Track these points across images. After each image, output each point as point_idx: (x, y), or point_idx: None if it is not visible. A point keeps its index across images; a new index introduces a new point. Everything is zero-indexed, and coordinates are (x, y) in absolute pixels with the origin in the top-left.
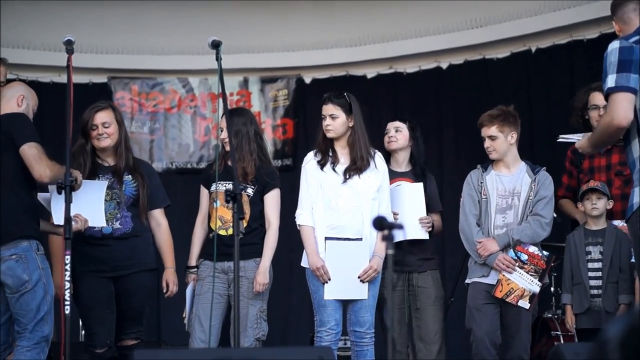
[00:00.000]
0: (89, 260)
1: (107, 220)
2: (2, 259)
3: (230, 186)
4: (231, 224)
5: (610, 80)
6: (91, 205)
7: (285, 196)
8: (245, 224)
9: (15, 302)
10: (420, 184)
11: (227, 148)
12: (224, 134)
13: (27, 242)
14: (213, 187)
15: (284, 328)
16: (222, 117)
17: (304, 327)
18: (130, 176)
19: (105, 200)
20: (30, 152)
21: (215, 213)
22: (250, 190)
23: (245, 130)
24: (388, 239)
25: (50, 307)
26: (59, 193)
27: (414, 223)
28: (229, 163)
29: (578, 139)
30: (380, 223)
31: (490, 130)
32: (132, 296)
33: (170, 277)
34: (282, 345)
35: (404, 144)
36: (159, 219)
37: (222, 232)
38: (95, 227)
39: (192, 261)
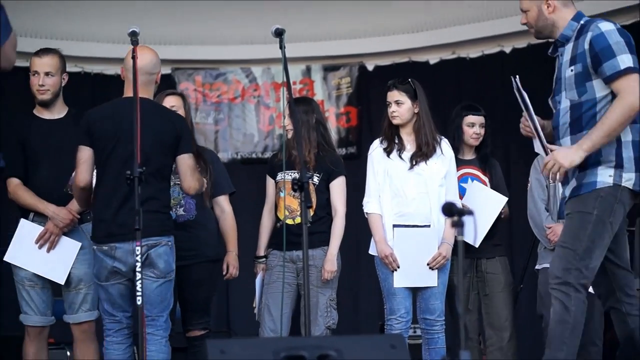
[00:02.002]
0: None
1: (171, 207)
2: (160, 244)
3: (296, 175)
4: (298, 213)
5: (628, 60)
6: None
7: (350, 184)
8: (312, 213)
9: (155, 288)
10: (504, 199)
11: (289, 136)
12: (286, 122)
13: (172, 236)
14: (279, 177)
15: (353, 317)
16: (285, 105)
17: (373, 316)
18: None
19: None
20: (190, 162)
21: (282, 202)
22: (315, 179)
23: (306, 119)
24: (458, 225)
25: None
26: (128, 184)
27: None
28: (293, 152)
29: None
30: (449, 209)
31: None
32: (196, 287)
33: (231, 261)
34: (351, 333)
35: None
36: (223, 205)
37: (290, 222)
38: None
39: (261, 251)
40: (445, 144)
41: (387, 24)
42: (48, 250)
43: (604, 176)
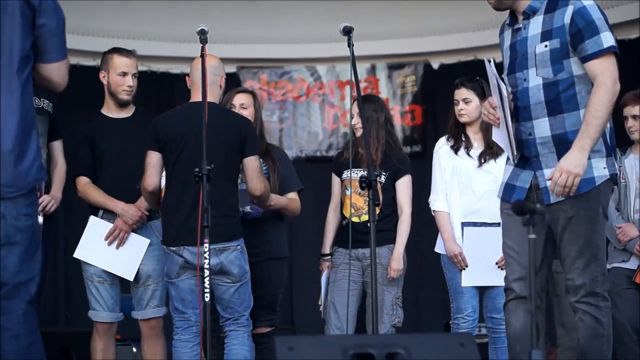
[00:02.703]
0: None
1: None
2: (230, 249)
3: (363, 173)
4: (364, 211)
5: (611, 38)
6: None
7: (415, 182)
8: (378, 211)
9: (233, 292)
10: None
11: (358, 134)
12: (355, 120)
13: (242, 237)
14: (345, 175)
15: (416, 315)
16: (353, 103)
17: (437, 314)
18: (261, 160)
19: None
20: (255, 164)
21: (348, 200)
22: (382, 177)
23: (375, 117)
24: (529, 223)
25: None
26: (196, 182)
27: None
28: (360, 150)
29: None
30: (521, 208)
31: (635, 109)
32: (263, 284)
33: None
34: (415, 332)
35: None
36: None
37: (355, 219)
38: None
39: (326, 249)
40: None
41: (453, 22)
42: (117, 247)
43: (599, 169)
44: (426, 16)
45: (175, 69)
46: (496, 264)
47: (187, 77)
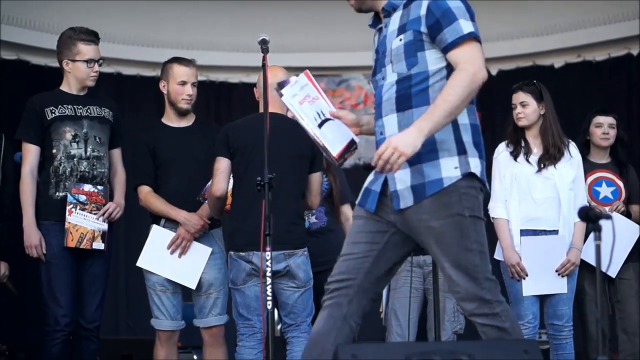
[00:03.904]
0: None
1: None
2: (297, 254)
3: None
4: None
5: (470, 25)
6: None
7: None
8: None
9: (297, 297)
10: (637, 227)
11: None
12: None
13: (306, 246)
14: None
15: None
16: None
17: None
18: (323, 173)
19: None
20: (320, 180)
21: None
22: None
23: None
24: (596, 229)
25: None
26: (258, 191)
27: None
28: None
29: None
30: (586, 214)
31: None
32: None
33: None
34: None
35: (614, 140)
36: (347, 213)
37: None
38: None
39: None
40: (573, 147)
41: (511, 27)
42: (180, 256)
43: (449, 169)
44: (483, 22)
45: (234, 78)
46: (556, 271)
47: (254, 88)
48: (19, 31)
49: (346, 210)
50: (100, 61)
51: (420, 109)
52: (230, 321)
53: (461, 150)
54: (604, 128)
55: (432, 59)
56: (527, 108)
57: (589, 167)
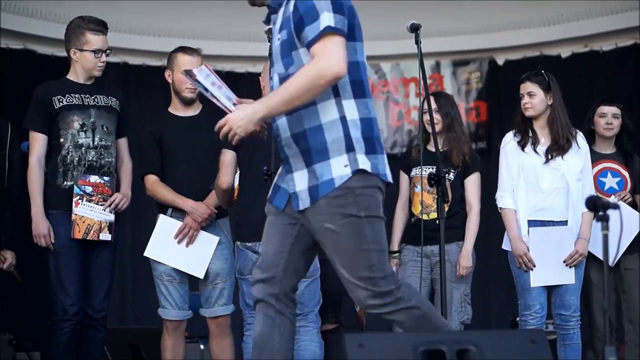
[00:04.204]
0: None
1: None
2: None
3: (432, 170)
4: (432, 209)
5: (329, 19)
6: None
7: (481, 178)
8: (446, 208)
9: (304, 288)
10: (637, 214)
11: (430, 130)
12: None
13: None
14: (413, 172)
15: (483, 312)
16: (423, 99)
17: (503, 311)
18: None
19: None
20: None
21: (416, 198)
22: (451, 174)
23: (453, 113)
24: (603, 219)
25: None
26: (265, 180)
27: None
28: (428, 147)
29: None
30: (594, 203)
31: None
32: (329, 281)
33: None
34: (482, 329)
35: (618, 130)
36: None
37: (424, 217)
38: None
39: (395, 246)
40: (580, 137)
41: (518, 17)
42: (187, 245)
43: (339, 168)
44: (491, 12)
45: (240, 68)
46: (564, 262)
47: (260, 77)
48: (25, 20)
49: None
50: (108, 51)
51: (308, 111)
52: (237, 311)
53: (349, 147)
54: (607, 118)
55: (306, 58)
56: (534, 98)
57: (594, 158)
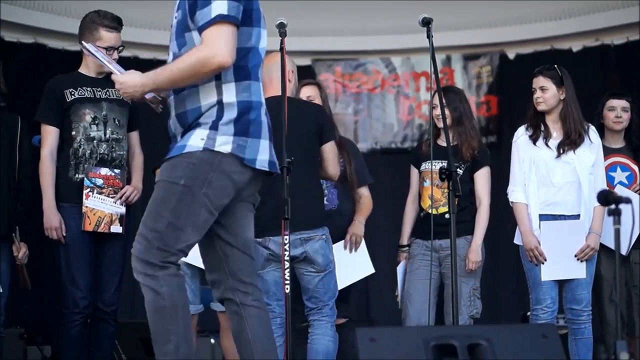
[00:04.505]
0: None
1: None
2: (315, 238)
3: (443, 164)
4: (442, 203)
5: (222, 6)
6: None
7: (492, 173)
8: (456, 202)
9: (318, 281)
10: None
11: (440, 125)
12: (438, 111)
13: (326, 226)
14: (423, 167)
15: (493, 306)
16: (434, 94)
17: (513, 305)
18: None
19: None
20: (334, 150)
21: (426, 192)
22: (461, 168)
23: (462, 108)
24: (615, 213)
25: None
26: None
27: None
28: (438, 142)
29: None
30: (606, 197)
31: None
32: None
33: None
34: (492, 323)
35: (627, 124)
36: (363, 193)
37: (433, 211)
38: None
39: (404, 240)
40: (592, 131)
41: (529, 11)
42: None
43: (196, 139)
44: (502, 6)
45: None
46: (575, 256)
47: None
48: (36, 14)
49: (362, 191)
50: (121, 48)
51: (191, 92)
52: None
53: (214, 126)
54: (616, 111)
55: (198, 40)
56: (546, 93)
57: (603, 152)
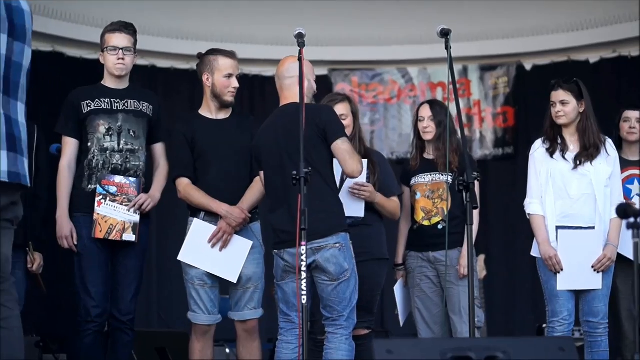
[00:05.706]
0: None
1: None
2: (327, 247)
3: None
4: (433, 214)
5: None
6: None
7: (506, 184)
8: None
9: (331, 290)
10: None
11: (426, 138)
12: (427, 123)
13: (345, 233)
14: (413, 181)
15: (508, 318)
16: (420, 106)
17: (529, 317)
18: None
19: None
20: (344, 146)
21: (417, 205)
22: (449, 178)
23: (445, 122)
24: (635, 226)
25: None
26: (294, 184)
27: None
28: (424, 156)
29: None
30: (625, 211)
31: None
32: (362, 285)
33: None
34: (507, 335)
35: None
36: (396, 203)
37: (426, 223)
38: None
39: (399, 259)
40: (609, 144)
41: (546, 22)
42: (221, 249)
43: None
44: (519, 17)
45: (268, 71)
46: (592, 267)
47: (276, 79)
48: (55, 23)
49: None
50: (128, 50)
51: None
52: (265, 315)
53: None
54: (631, 122)
55: None
56: (567, 106)
57: (621, 165)
